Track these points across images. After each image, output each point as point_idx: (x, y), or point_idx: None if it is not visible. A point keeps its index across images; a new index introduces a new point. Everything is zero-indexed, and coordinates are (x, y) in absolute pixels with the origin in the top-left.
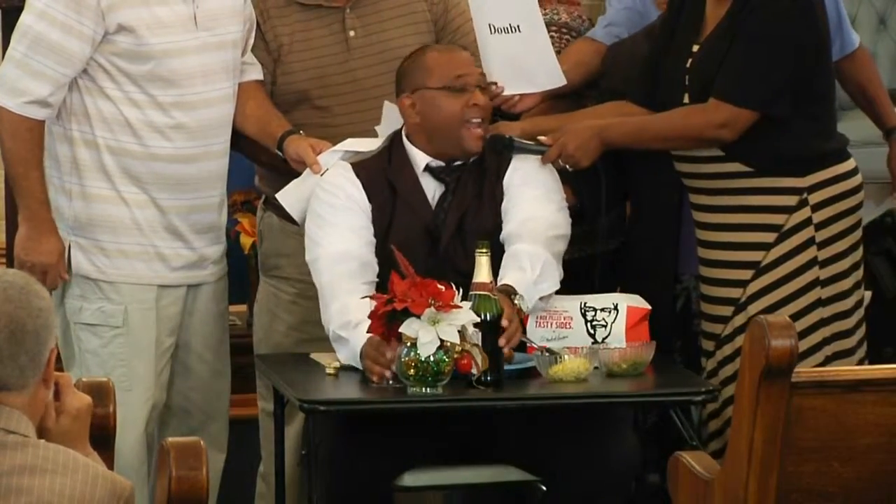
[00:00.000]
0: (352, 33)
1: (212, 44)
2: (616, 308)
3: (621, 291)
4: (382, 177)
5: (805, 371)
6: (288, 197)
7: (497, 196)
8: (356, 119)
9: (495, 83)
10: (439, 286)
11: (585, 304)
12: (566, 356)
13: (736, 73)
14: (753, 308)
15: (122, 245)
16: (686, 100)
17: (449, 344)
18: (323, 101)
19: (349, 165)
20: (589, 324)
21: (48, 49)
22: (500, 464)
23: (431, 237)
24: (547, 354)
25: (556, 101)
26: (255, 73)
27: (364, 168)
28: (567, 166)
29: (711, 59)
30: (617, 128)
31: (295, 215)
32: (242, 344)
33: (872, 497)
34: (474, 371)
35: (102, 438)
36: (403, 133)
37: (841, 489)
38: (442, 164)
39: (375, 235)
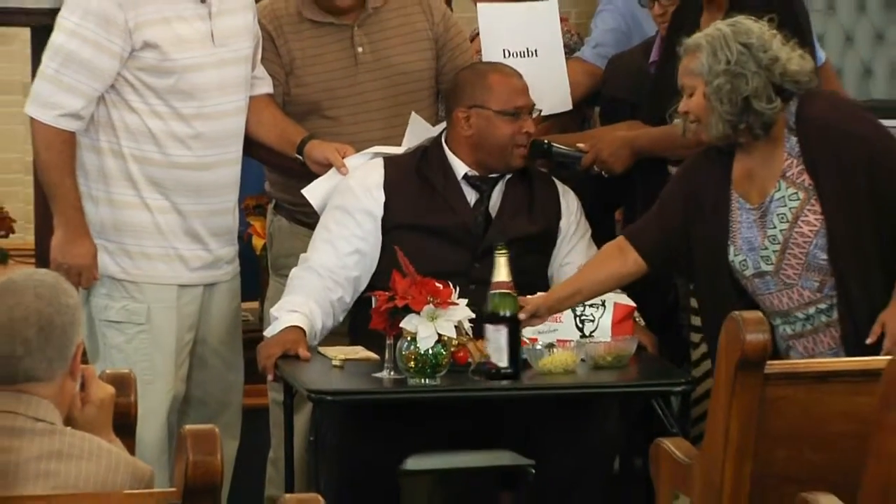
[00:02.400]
0: (360, 49)
1: (227, 59)
2: (603, 304)
3: None
4: (413, 172)
5: (777, 363)
6: (315, 195)
7: (544, 211)
8: (362, 129)
9: (541, 109)
10: (437, 284)
11: None
12: (555, 349)
13: None
14: None
15: (145, 248)
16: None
17: (446, 338)
18: (332, 111)
19: (381, 162)
20: (578, 318)
21: (80, 65)
22: (494, 448)
23: (472, 236)
24: (538, 348)
25: (558, 115)
26: (266, 86)
27: (395, 163)
28: (602, 172)
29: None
30: (644, 137)
31: (319, 210)
32: (254, 338)
33: (842, 482)
34: (470, 361)
35: (124, 426)
36: (443, 140)
37: (812, 474)
38: (477, 174)
39: (407, 221)
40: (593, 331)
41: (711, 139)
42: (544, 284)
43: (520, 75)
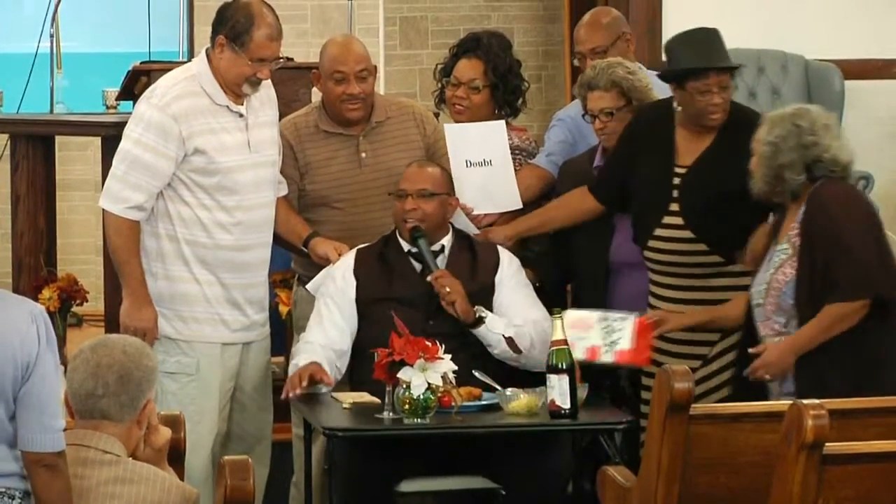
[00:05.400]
0: (363, 155)
1: (260, 162)
2: (626, 319)
3: None
4: (377, 257)
5: (700, 406)
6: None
7: (484, 269)
8: (364, 217)
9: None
10: (427, 343)
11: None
12: (521, 395)
13: None
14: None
15: (195, 313)
16: (675, 207)
17: (434, 386)
18: (339, 203)
19: (354, 253)
20: (604, 330)
21: (143, 167)
22: (472, 474)
23: (423, 299)
24: (508, 394)
25: (513, 212)
26: (283, 189)
27: (364, 252)
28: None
29: (703, 180)
30: (524, 221)
31: None
32: (281, 386)
33: (751, 501)
34: (453, 404)
35: (175, 456)
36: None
37: (727, 495)
38: (415, 250)
39: (375, 296)
40: (619, 339)
41: (756, 192)
42: None
43: (416, 165)
